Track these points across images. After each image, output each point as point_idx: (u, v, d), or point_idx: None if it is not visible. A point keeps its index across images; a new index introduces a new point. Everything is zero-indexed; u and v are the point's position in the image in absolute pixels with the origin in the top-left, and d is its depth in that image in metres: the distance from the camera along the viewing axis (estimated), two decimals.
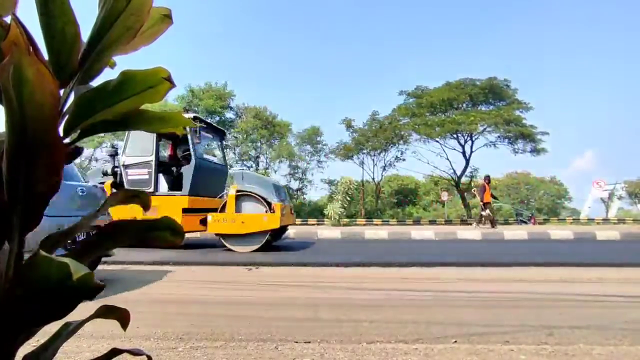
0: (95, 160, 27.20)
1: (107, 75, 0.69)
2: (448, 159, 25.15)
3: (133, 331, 2.30)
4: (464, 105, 23.46)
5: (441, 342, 2.18)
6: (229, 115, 27.07)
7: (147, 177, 7.22)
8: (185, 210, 7.03)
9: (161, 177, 7.68)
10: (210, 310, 2.90)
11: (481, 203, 13.39)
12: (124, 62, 0.80)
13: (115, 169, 7.44)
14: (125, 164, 7.31)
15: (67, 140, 0.64)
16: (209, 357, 1.93)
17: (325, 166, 33.08)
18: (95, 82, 0.67)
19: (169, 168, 8.31)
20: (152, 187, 7.15)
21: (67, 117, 0.63)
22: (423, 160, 26.10)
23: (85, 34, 0.62)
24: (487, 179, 14.04)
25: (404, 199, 32.00)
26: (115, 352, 0.72)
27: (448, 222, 20.29)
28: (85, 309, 0.68)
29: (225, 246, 6.65)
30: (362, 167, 25.90)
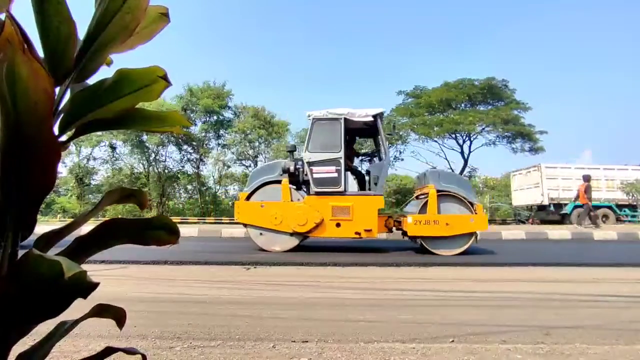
0: (93, 159, 27.14)
1: (104, 73, 0.69)
2: (446, 159, 25.22)
3: (130, 330, 2.29)
4: (463, 105, 23.51)
5: (438, 341, 2.18)
6: (227, 114, 27.00)
7: (335, 175, 6.60)
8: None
9: (349, 176, 7.13)
10: (208, 309, 2.90)
11: (589, 203, 13.24)
12: (122, 61, 0.80)
13: (298, 167, 6.88)
14: (310, 161, 6.69)
15: (62, 139, 0.64)
16: (206, 357, 1.93)
17: None
18: (92, 81, 0.67)
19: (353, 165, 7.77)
20: (342, 187, 6.60)
21: (62, 115, 0.62)
22: (422, 160, 26.14)
23: (82, 33, 0.62)
24: (589, 178, 13.60)
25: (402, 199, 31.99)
26: (110, 350, 0.72)
27: None
28: (85, 308, 0.68)
29: (430, 251, 6.27)
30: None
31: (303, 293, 3.51)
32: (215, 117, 26.21)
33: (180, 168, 26.70)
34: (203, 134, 26.04)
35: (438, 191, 6.36)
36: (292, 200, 6.71)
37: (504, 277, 4.47)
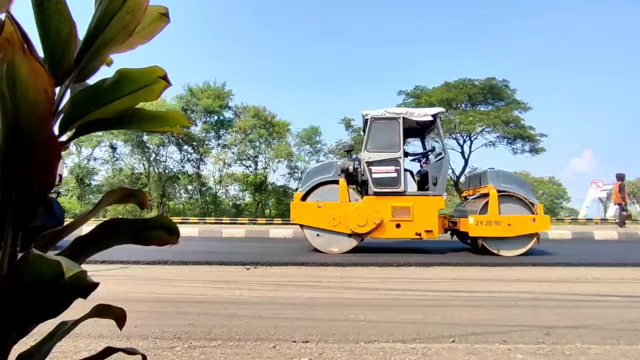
0: (94, 159, 27.16)
1: (104, 73, 0.69)
2: None
3: (131, 330, 2.29)
4: (463, 105, 23.50)
5: (439, 341, 2.18)
6: (228, 114, 27.03)
7: (394, 175, 6.51)
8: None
9: (408, 175, 6.96)
10: (208, 309, 2.90)
11: (623, 202, 13.15)
12: (122, 60, 0.80)
13: (356, 167, 6.72)
14: (369, 160, 6.60)
15: (62, 139, 0.64)
16: (207, 357, 1.93)
17: None
18: (92, 81, 0.67)
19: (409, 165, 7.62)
20: (402, 187, 6.51)
21: (62, 115, 0.62)
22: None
23: (82, 33, 0.62)
24: (622, 177, 13.34)
25: None
26: (110, 350, 0.72)
27: None
28: (84, 308, 0.68)
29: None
30: None
31: (304, 293, 3.51)
32: (215, 117, 26.24)
33: (181, 168, 26.75)
34: (203, 134, 26.07)
35: (498, 191, 6.31)
36: (349, 201, 6.61)
37: (504, 277, 4.46)
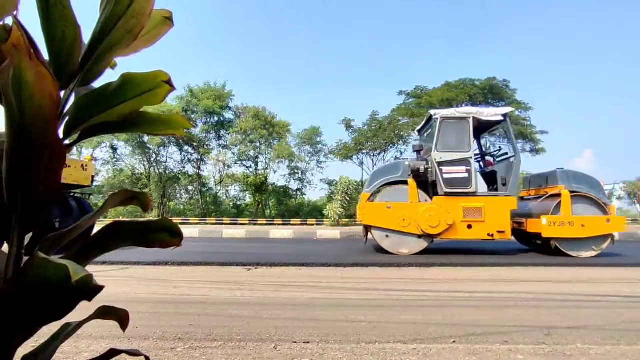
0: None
1: (108, 75, 0.69)
2: None
3: (132, 331, 2.30)
4: (464, 105, 23.53)
5: (439, 342, 2.18)
6: (228, 115, 27.05)
7: (465, 175, 6.44)
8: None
9: (479, 176, 6.86)
10: (209, 310, 2.90)
11: None
12: (123, 62, 0.80)
13: (427, 167, 6.67)
14: (440, 161, 6.51)
15: (67, 142, 0.65)
16: (208, 357, 1.93)
17: (324, 166, 33.14)
18: (97, 84, 0.67)
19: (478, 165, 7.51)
20: (473, 187, 6.42)
21: (67, 118, 0.63)
22: None
23: (87, 37, 0.62)
24: None
25: None
26: (113, 352, 0.72)
27: None
28: (85, 309, 0.68)
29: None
30: (362, 167, 25.94)
31: (304, 294, 3.51)
32: (215, 118, 26.25)
33: (181, 169, 26.76)
34: (204, 135, 26.09)
35: (572, 192, 6.26)
36: (419, 202, 6.54)
37: (504, 278, 4.46)
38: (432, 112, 6.97)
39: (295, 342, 2.16)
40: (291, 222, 20.17)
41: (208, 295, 3.44)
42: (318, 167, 28.19)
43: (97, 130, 0.65)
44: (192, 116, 25.08)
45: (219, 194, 28.36)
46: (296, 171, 27.70)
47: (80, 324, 0.73)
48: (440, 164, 6.51)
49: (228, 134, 26.61)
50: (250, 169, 26.64)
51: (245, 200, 28.93)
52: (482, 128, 7.50)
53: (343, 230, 13.33)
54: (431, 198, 6.63)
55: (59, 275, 0.50)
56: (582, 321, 2.61)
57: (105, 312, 0.73)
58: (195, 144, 25.72)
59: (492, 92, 22.45)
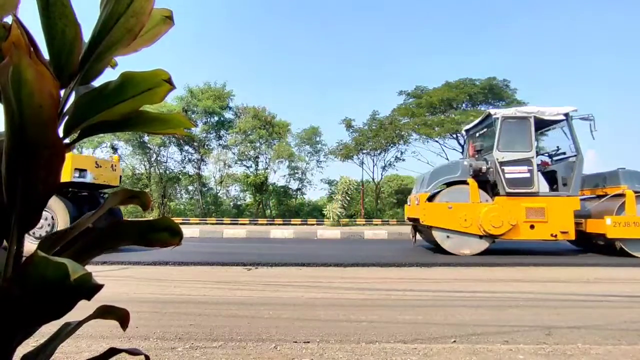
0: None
1: (108, 74, 0.69)
2: (447, 159, 25.22)
3: (132, 331, 2.30)
4: (464, 105, 23.51)
5: (440, 342, 2.18)
6: (228, 115, 27.07)
7: (528, 175, 6.40)
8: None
9: (540, 176, 6.75)
10: (210, 310, 2.91)
11: None
12: (123, 61, 0.80)
13: (489, 167, 6.59)
14: (502, 160, 6.46)
15: (67, 141, 0.65)
16: (208, 357, 1.93)
17: (324, 166, 33.16)
18: (97, 83, 0.67)
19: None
20: (535, 187, 6.38)
21: (67, 117, 0.63)
22: (423, 160, 26.22)
23: (87, 35, 0.62)
24: None
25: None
26: (113, 351, 0.72)
27: None
28: (85, 309, 0.68)
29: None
30: (362, 167, 25.96)
31: (304, 293, 3.51)
32: (216, 118, 26.26)
33: (182, 169, 26.78)
34: (204, 135, 26.11)
35: (636, 192, 6.22)
36: (480, 202, 6.50)
37: (505, 278, 4.46)
38: (491, 111, 6.91)
39: (296, 342, 2.16)
40: (291, 222, 20.18)
41: (208, 295, 3.44)
42: (318, 167, 28.23)
43: (97, 129, 0.65)
44: (192, 116, 25.10)
45: (219, 194, 28.38)
46: (296, 171, 27.72)
47: (80, 324, 0.72)
48: (502, 163, 6.46)
49: (228, 134, 26.64)
50: (251, 169, 26.67)
51: (245, 200, 28.95)
52: (536, 127, 7.39)
53: (343, 230, 13.33)
54: (492, 198, 6.57)
55: (58, 274, 0.49)
56: (583, 321, 2.61)
57: (105, 312, 0.73)
58: (195, 144, 25.74)
59: (492, 92, 22.43)
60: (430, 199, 6.67)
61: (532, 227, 6.36)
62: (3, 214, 0.60)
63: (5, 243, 0.62)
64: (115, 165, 7.60)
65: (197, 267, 5.21)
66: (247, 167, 26.79)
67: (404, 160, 25.80)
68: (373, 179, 27.07)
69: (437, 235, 6.53)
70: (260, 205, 26.98)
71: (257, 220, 21.24)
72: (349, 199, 20.18)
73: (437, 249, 6.75)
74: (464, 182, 6.64)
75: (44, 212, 5.71)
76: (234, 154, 26.54)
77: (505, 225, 6.25)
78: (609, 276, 4.60)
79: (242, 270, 4.93)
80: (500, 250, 7.10)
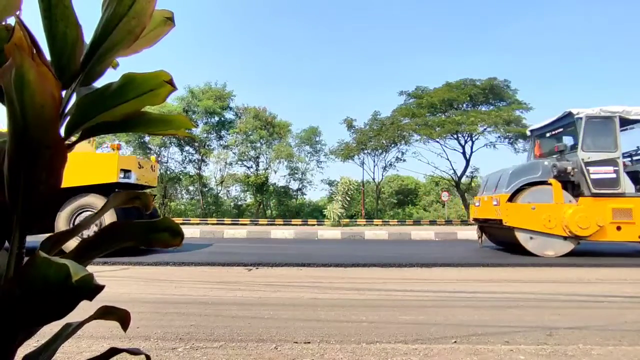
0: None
1: (110, 74, 0.69)
2: (448, 159, 25.27)
3: (133, 331, 2.30)
4: (464, 105, 23.50)
5: (441, 342, 2.18)
6: (229, 115, 27.08)
7: (614, 176, 6.30)
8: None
9: (626, 176, 6.61)
10: (210, 310, 2.91)
11: None
12: (124, 61, 0.80)
13: (574, 167, 6.47)
14: (588, 160, 6.36)
15: (68, 142, 0.65)
16: (209, 358, 1.93)
17: (325, 167, 33.17)
18: (98, 84, 0.67)
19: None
20: (622, 187, 6.28)
21: (68, 118, 0.63)
22: (423, 160, 26.26)
23: (89, 36, 0.62)
24: None
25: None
26: (114, 351, 0.72)
27: (448, 222, 20.33)
28: (86, 309, 0.68)
29: None
30: (363, 168, 25.97)
31: (305, 294, 3.51)
32: (216, 118, 26.28)
33: (182, 169, 26.80)
34: (205, 135, 26.13)
35: None
36: (564, 202, 6.41)
37: (506, 278, 4.46)
38: (573, 110, 6.79)
39: (296, 342, 2.16)
40: (292, 223, 20.18)
41: (209, 295, 3.44)
42: (318, 167, 28.25)
43: (98, 130, 0.65)
44: (193, 116, 25.12)
45: (219, 194, 28.40)
46: (296, 171, 27.74)
47: (81, 324, 0.72)
48: (587, 164, 6.38)
49: (229, 134, 26.66)
50: (251, 169, 26.69)
51: (246, 201, 28.98)
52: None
53: (344, 230, 13.33)
54: (575, 199, 6.49)
55: (59, 275, 0.50)
56: (584, 321, 2.61)
57: (106, 312, 0.73)
58: (196, 144, 25.76)
59: (493, 92, 22.41)
60: (509, 199, 6.60)
61: (618, 228, 6.27)
62: (5, 214, 0.60)
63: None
64: (154, 166, 7.64)
65: (198, 267, 5.21)
66: (248, 168, 26.83)
67: (404, 160, 25.84)
68: (374, 179, 27.08)
69: (520, 236, 6.44)
70: (261, 206, 27.00)
71: (258, 221, 21.24)
72: (349, 199, 20.19)
73: (507, 249, 6.71)
74: (544, 183, 6.57)
75: (91, 213, 5.74)
76: (234, 154, 26.58)
77: (592, 227, 6.15)
78: (609, 277, 4.59)
79: (242, 270, 4.93)
80: (586, 252, 7.05)
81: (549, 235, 6.35)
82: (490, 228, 7.55)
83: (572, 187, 6.64)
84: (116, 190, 6.56)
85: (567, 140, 7.06)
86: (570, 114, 6.83)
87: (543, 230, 6.32)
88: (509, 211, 6.47)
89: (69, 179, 5.88)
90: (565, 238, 6.32)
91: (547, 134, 7.73)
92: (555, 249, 6.35)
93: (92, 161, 6.28)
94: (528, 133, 8.55)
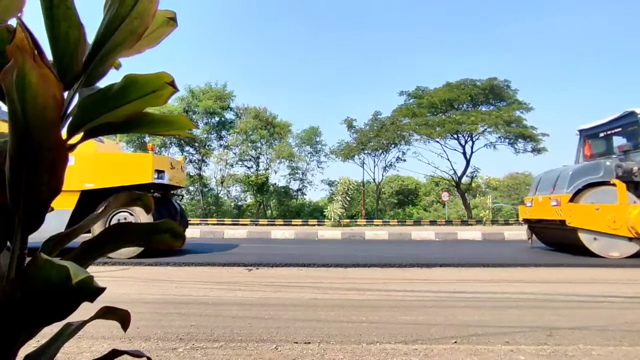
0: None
1: (112, 75, 0.69)
2: (449, 160, 25.26)
3: (133, 332, 2.30)
4: (465, 105, 23.50)
5: (441, 342, 2.18)
6: (229, 115, 27.09)
7: None
8: None
9: None
10: (210, 310, 2.91)
11: None
12: (124, 61, 0.80)
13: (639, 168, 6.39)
14: None
15: (70, 142, 0.65)
16: (209, 358, 1.93)
17: (325, 167, 33.14)
18: (100, 84, 0.67)
19: None
20: None
21: (70, 119, 0.63)
22: (424, 160, 26.27)
23: (91, 37, 0.62)
24: None
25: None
26: (116, 353, 0.72)
27: (448, 222, 20.34)
28: (86, 309, 0.68)
29: None
30: (363, 167, 25.96)
31: (305, 294, 3.51)
32: (216, 119, 26.29)
33: None
34: (205, 135, 26.13)
35: None
36: (629, 203, 6.34)
37: (506, 278, 4.45)
38: (636, 109, 6.71)
39: (297, 343, 2.16)
40: (292, 223, 20.18)
41: (209, 295, 3.44)
42: (318, 167, 28.26)
43: (100, 130, 0.65)
44: (193, 116, 25.13)
45: (220, 195, 28.41)
46: (296, 171, 27.74)
47: (82, 325, 0.73)
48: None
49: (229, 135, 26.67)
50: (252, 169, 26.69)
51: (246, 201, 28.98)
52: None
53: (344, 230, 13.32)
54: (639, 199, 6.43)
55: (60, 277, 0.50)
56: (584, 322, 2.61)
57: (106, 313, 0.73)
58: (196, 144, 25.77)
59: (493, 93, 22.41)
60: (570, 200, 6.54)
61: None
62: (7, 215, 0.60)
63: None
64: (184, 166, 7.63)
65: (198, 267, 5.21)
66: (248, 168, 26.83)
67: (405, 160, 25.85)
68: (374, 179, 27.08)
69: (584, 237, 6.37)
70: (261, 206, 27.00)
71: (258, 221, 21.25)
72: (349, 199, 20.19)
73: (558, 250, 6.69)
74: (605, 184, 6.51)
75: (127, 215, 5.78)
76: (234, 154, 26.58)
77: None
78: (610, 277, 4.59)
79: (243, 270, 4.93)
80: None
81: (613, 237, 6.26)
82: (545, 229, 7.45)
83: (634, 187, 6.56)
84: (151, 191, 6.60)
85: (624, 141, 6.96)
86: (632, 113, 6.76)
87: (607, 231, 6.24)
88: (572, 212, 6.38)
89: (106, 180, 5.91)
90: (630, 239, 6.23)
91: (601, 134, 7.65)
92: (621, 250, 6.26)
93: (128, 162, 6.28)
94: (576, 133, 8.46)
